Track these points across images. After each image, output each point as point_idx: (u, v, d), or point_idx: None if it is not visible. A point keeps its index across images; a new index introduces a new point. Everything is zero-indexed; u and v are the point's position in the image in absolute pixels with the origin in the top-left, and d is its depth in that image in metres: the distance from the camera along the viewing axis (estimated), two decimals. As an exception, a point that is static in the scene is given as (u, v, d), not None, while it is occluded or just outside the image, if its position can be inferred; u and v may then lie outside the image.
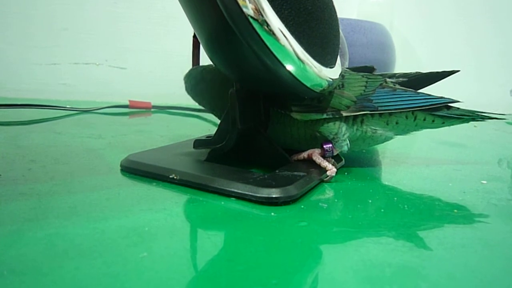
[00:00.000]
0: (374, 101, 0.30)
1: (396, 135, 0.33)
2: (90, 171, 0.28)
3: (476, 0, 0.99)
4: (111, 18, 0.76)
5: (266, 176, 0.26)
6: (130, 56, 0.78)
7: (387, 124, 0.31)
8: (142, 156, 0.29)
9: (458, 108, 0.33)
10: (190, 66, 0.35)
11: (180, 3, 0.26)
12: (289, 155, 0.30)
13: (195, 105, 0.37)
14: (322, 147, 0.30)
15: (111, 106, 0.61)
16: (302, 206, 0.24)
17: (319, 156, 0.29)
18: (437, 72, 0.34)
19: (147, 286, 0.15)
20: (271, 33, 0.22)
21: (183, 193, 0.25)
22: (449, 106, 0.32)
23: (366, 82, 0.31)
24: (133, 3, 0.77)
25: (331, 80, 0.26)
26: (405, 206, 0.25)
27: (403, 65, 0.84)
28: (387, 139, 0.32)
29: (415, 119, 0.32)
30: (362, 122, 0.31)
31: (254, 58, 0.23)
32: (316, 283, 0.16)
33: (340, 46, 0.29)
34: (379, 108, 0.30)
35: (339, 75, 0.29)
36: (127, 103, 0.63)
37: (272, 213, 0.22)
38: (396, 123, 0.31)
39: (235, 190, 0.24)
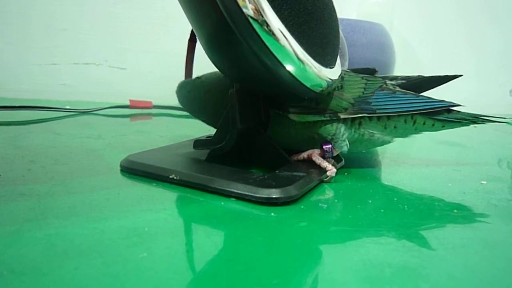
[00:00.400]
0: (372, 104, 0.30)
1: (395, 138, 0.32)
2: (90, 172, 0.28)
3: (476, 0, 0.99)
4: (110, 18, 0.76)
5: (266, 177, 0.26)
6: (129, 56, 0.78)
7: (385, 128, 0.31)
8: (142, 157, 0.29)
9: (459, 112, 0.32)
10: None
11: (180, 3, 0.26)
12: (289, 155, 0.30)
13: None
14: (321, 148, 0.29)
15: (111, 107, 0.61)
16: (302, 207, 0.24)
17: (318, 157, 0.29)
18: (439, 76, 0.34)
19: (147, 286, 0.15)
20: (271, 33, 0.22)
21: (183, 193, 0.25)
22: (450, 109, 0.32)
23: (365, 84, 0.31)
24: (132, 3, 0.77)
25: (330, 80, 0.26)
26: (405, 206, 0.25)
27: (403, 65, 0.83)
28: (385, 142, 0.32)
29: (414, 123, 0.31)
30: (360, 124, 0.30)
31: (254, 58, 0.23)
32: (316, 283, 0.16)
33: (340, 46, 0.29)
34: (377, 111, 0.30)
35: (339, 76, 0.29)
36: (128, 103, 0.63)
37: (272, 214, 0.22)
38: (395, 127, 0.31)
39: (235, 191, 0.24)
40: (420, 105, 0.31)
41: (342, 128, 0.30)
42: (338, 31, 0.28)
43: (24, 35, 0.72)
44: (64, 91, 0.74)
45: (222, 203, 0.24)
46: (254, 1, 0.21)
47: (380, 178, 0.32)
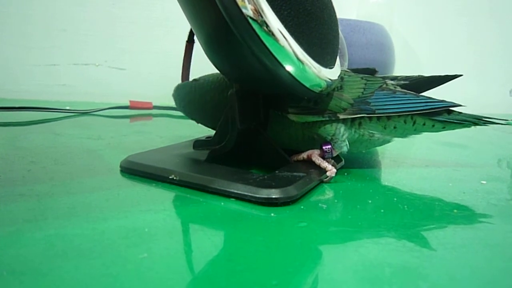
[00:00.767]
0: (372, 104, 0.30)
1: (395, 138, 0.32)
2: (90, 172, 0.28)
3: (476, 0, 1.00)
4: (110, 19, 0.76)
5: (265, 177, 0.26)
6: (129, 57, 0.78)
7: (385, 128, 0.31)
8: (142, 157, 0.29)
9: (460, 113, 0.32)
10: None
11: (179, 4, 0.26)
12: (289, 156, 0.30)
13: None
14: (321, 148, 0.29)
15: (111, 108, 0.61)
16: (302, 207, 0.24)
17: (318, 157, 0.29)
18: (440, 76, 0.34)
19: (147, 287, 0.15)
20: (271, 33, 0.22)
21: (183, 193, 0.25)
22: (450, 110, 0.32)
23: (365, 84, 0.31)
24: (132, 4, 0.77)
25: (330, 80, 0.26)
26: (405, 206, 0.25)
27: (402, 65, 0.84)
28: (385, 142, 0.32)
29: (414, 123, 0.31)
30: (359, 125, 0.30)
31: (253, 58, 0.23)
32: (316, 283, 0.16)
33: (339, 46, 0.29)
34: (377, 111, 0.30)
35: (338, 77, 0.29)
36: (127, 103, 0.63)
37: (272, 214, 0.22)
38: (394, 127, 0.31)
39: (235, 191, 0.24)
40: (420, 105, 0.30)
41: (341, 128, 0.30)
42: (338, 31, 0.28)
43: (24, 35, 0.72)
44: (64, 92, 0.74)
45: (222, 203, 0.24)
46: (254, 2, 0.21)
47: (380, 178, 0.32)
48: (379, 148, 0.43)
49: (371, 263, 0.17)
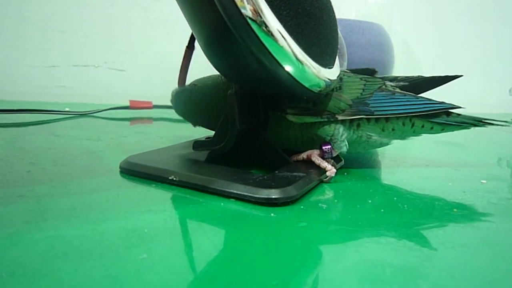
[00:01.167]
0: (370, 105, 0.30)
1: (394, 140, 0.32)
2: (89, 173, 0.28)
3: (476, 0, 1.00)
4: (108, 20, 0.76)
5: (265, 177, 0.26)
6: (129, 58, 0.78)
7: (383, 130, 0.31)
8: (142, 158, 0.29)
9: (459, 115, 0.32)
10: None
11: (178, 5, 0.26)
12: (289, 156, 0.30)
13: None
14: (321, 149, 0.29)
15: (111, 108, 0.60)
16: (302, 207, 0.24)
17: (318, 157, 0.29)
18: (440, 77, 0.34)
19: (147, 288, 0.14)
20: (270, 34, 0.22)
21: (183, 194, 0.25)
22: (449, 112, 0.32)
23: (364, 85, 0.31)
24: (130, 5, 0.77)
25: (329, 80, 0.26)
26: (405, 205, 0.25)
27: (401, 66, 0.84)
28: (383, 144, 0.32)
29: (412, 126, 0.31)
30: (358, 126, 0.30)
31: (253, 59, 0.23)
32: (316, 283, 0.16)
33: (338, 46, 0.29)
34: (375, 113, 0.29)
35: (337, 77, 0.29)
36: (127, 104, 0.63)
37: (272, 214, 0.22)
38: (393, 129, 0.31)
39: (235, 191, 0.24)
40: (419, 107, 0.30)
41: (340, 128, 0.30)
42: (337, 31, 0.28)
43: (22, 37, 0.72)
44: (63, 93, 0.74)
45: (222, 203, 0.24)
46: (253, 2, 0.21)
47: (379, 178, 0.32)
48: (379, 148, 0.43)
49: (372, 262, 0.17)
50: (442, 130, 0.32)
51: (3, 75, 0.71)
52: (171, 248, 0.18)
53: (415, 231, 0.21)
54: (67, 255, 0.16)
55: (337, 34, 0.28)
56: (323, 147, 0.29)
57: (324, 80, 0.26)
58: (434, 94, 0.32)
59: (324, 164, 0.29)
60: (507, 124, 0.32)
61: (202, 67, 0.33)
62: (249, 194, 0.24)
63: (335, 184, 0.29)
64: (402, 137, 0.32)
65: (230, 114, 0.28)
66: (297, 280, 0.16)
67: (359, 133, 0.30)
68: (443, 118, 0.31)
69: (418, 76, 0.34)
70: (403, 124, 0.31)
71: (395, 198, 0.26)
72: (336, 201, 0.26)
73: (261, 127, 0.30)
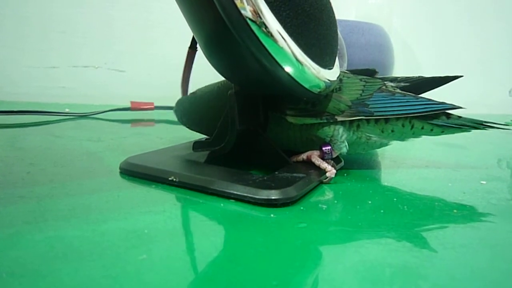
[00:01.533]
0: (370, 106, 0.30)
1: (393, 141, 0.32)
2: (89, 174, 0.28)
3: (476, 1, 1.00)
4: (108, 21, 0.76)
5: (265, 178, 0.26)
6: (129, 59, 0.78)
7: (382, 131, 0.31)
8: (142, 159, 0.29)
9: (460, 117, 0.32)
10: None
11: (178, 6, 0.26)
12: (289, 157, 0.30)
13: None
14: (321, 149, 0.29)
15: (112, 110, 0.60)
16: (302, 208, 0.24)
17: (318, 158, 0.29)
18: (440, 77, 0.34)
19: (147, 288, 0.14)
20: (269, 35, 0.22)
21: (183, 195, 0.25)
22: (449, 114, 0.31)
23: (364, 86, 0.31)
24: (130, 6, 0.77)
25: (329, 81, 0.26)
26: (405, 206, 0.25)
27: (401, 66, 0.84)
28: (382, 145, 0.32)
29: (412, 127, 0.31)
30: (357, 127, 0.30)
31: (252, 59, 0.23)
32: (316, 284, 0.16)
33: (338, 47, 0.29)
34: (375, 114, 0.29)
35: (337, 77, 0.29)
36: (128, 105, 0.63)
37: (272, 215, 0.22)
38: (392, 131, 0.31)
39: (235, 192, 0.24)
40: (419, 107, 0.30)
41: (340, 129, 0.30)
42: (337, 32, 0.28)
43: (22, 38, 0.72)
44: (63, 94, 0.74)
45: (222, 204, 0.24)
46: (252, 3, 0.21)
47: (379, 179, 0.32)
48: (378, 149, 0.43)
49: (371, 263, 0.17)
50: (442, 132, 0.32)
51: (2, 76, 0.71)
52: (171, 249, 0.18)
53: (415, 232, 0.21)
54: (67, 256, 0.16)
55: (337, 35, 0.28)
56: (323, 148, 0.29)
57: (324, 81, 0.26)
58: (434, 95, 0.32)
59: (324, 165, 0.29)
60: (507, 127, 0.32)
61: (204, 70, 0.33)
62: (249, 195, 0.24)
63: (335, 185, 0.29)
64: (402, 138, 0.32)
65: (230, 115, 0.28)
66: (297, 281, 0.16)
67: (359, 134, 0.30)
68: (443, 120, 0.31)
69: (418, 76, 0.34)
70: (403, 126, 0.31)
71: (395, 199, 0.26)
72: (336, 202, 0.26)
73: (261, 128, 0.30)
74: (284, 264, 0.17)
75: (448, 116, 0.31)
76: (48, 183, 0.25)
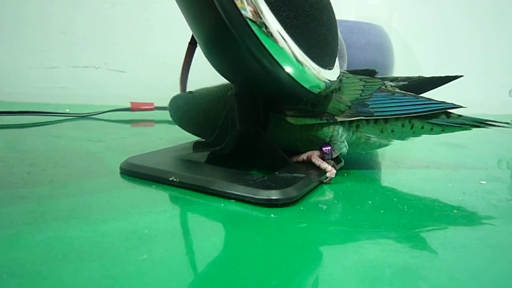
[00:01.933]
0: (370, 106, 0.29)
1: (393, 140, 0.32)
2: (90, 174, 0.28)
3: (476, 1, 1.00)
4: (108, 21, 0.76)
5: (265, 178, 0.26)
6: (129, 59, 0.78)
7: (382, 132, 0.31)
8: (142, 159, 0.29)
9: (460, 116, 0.31)
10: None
11: (178, 6, 0.26)
12: (289, 157, 0.30)
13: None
14: (321, 150, 0.29)
15: (112, 110, 0.60)
16: (302, 208, 0.24)
17: (318, 158, 0.29)
18: (440, 77, 0.34)
19: (147, 289, 0.15)
20: (270, 35, 0.22)
21: (183, 195, 0.25)
22: (449, 113, 0.31)
23: (364, 86, 0.31)
24: (130, 6, 0.77)
25: (329, 81, 0.26)
26: (405, 206, 0.25)
27: (402, 67, 0.84)
28: (382, 145, 0.32)
29: (412, 127, 0.31)
30: (357, 127, 0.30)
31: (253, 60, 0.23)
32: (316, 284, 0.16)
33: (338, 47, 0.29)
34: (375, 114, 0.29)
35: (337, 78, 0.29)
36: (128, 105, 0.62)
37: (272, 215, 0.22)
38: (392, 131, 0.31)
39: (235, 192, 0.24)
40: (419, 107, 0.30)
41: (340, 130, 0.30)
42: (337, 32, 0.28)
43: (22, 38, 0.72)
44: (63, 94, 0.74)
45: (222, 205, 0.24)
46: (253, 3, 0.21)
47: (379, 179, 0.32)
48: (379, 149, 0.43)
49: (371, 263, 0.17)
50: (442, 131, 0.32)
51: (2, 76, 0.71)
52: (172, 249, 0.18)
53: (415, 232, 0.21)
54: (68, 256, 0.16)
55: (337, 35, 0.28)
56: (323, 148, 0.29)
57: (324, 81, 0.26)
58: (434, 95, 0.32)
59: (324, 165, 0.29)
60: (508, 125, 0.32)
61: (203, 69, 0.33)
62: (249, 195, 0.24)
63: (335, 185, 0.29)
64: (402, 138, 0.32)
65: (230, 115, 0.28)
66: (297, 281, 0.16)
67: (358, 134, 0.30)
68: (443, 119, 0.31)
69: (419, 76, 0.34)
70: (402, 126, 0.31)
71: (395, 199, 0.26)
72: (336, 202, 0.26)
73: (261, 128, 0.30)
74: (284, 264, 0.17)
75: (448, 115, 0.31)
76: (48, 183, 0.25)
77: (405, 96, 0.31)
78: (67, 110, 0.57)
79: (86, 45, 0.75)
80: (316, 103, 0.29)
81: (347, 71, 0.34)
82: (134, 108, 0.62)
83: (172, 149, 0.33)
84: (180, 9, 0.26)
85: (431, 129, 0.31)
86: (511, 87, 0.96)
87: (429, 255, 0.19)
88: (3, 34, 0.71)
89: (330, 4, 0.27)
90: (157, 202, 0.24)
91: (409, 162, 0.39)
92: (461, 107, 0.31)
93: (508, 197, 0.29)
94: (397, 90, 0.32)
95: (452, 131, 0.32)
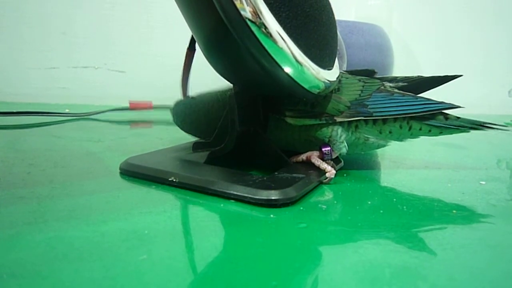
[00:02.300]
0: (369, 106, 0.30)
1: (392, 141, 0.32)
2: (90, 175, 0.28)
3: (476, 1, 1.00)
4: (108, 22, 0.76)
5: (265, 178, 0.26)
6: (128, 60, 0.78)
7: (380, 132, 0.31)
8: (142, 159, 0.29)
9: (458, 118, 0.31)
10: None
11: (178, 6, 0.26)
12: (288, 157, 0.30)
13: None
14: (320, 150, 0.29)
15: (111, 110, 0.60)
16: (301, 208, 0.24)
17: (317, 158, 0.29)
18: (439, 77, 0.34)
19: (147, 289, 0.15)
20: (269, 35, 0.22)
21: (183, 195, 0.25)
22: (447, 115, 0.31)
23: (363, 86, 0.31)
24: (130, 7, 0.77)
25: (328, 82, 0.27)
26: (404, 207, 0.25)
27: (401, 67, 0.84)
28: (380, 146, 0.32)
29: (410, 128, 0.31)
30: (356, 128, 0.30)
31: (252, 60, 0.23)
32: (316, 284, 0.16)
33: (338, 48, 0.29)
34: (374, 114, 0.29)
35: (337, 78, 0.29)
36: (127, 106, 0.63)
37: (272, 215, 0.22)
38: (390, 132, 0.31)
39: (235, 193, 0.24)
40: (418, 107, 0.30)
41: (339, 130, 0.30)
42: (336, 32, 0.28)
43: (22, 38, 0.72)
44: (63, 95, 0.74)
45: (222, 205, 0.24)
46: (252, 4, 0.21)
47: (379, 180, 0.32)
48: (378, 149, 0.43)
49: (371, 263, 0.17)
50: (441, 133, 0.32)
51: (2, 77, 0.71)
52: (171, 249, 0.18)
53: (414, 233, 0.21)
54: (68, 257, 0.16)
55: (337, 35, 0.28)
56: (323, 149, 0.29)
57: (324, 82, 0.26)
58: (433, 95, 0.32)
59: (324, 165, 0.29)
60: (506, 128, 0.32)
61: (203, 71, 0.33)
62: (249, 195, 0.24)
63: (335, 185, 0.29)
64: (400, 139, 0.32)
65: (230, 116, 0.28)
66: (296, 281, 0.16)
67: (357, 135, 0.30)
68: (441, 121, 0.31)
69: (418, 76, 0.34)
70: (400, 127, 0.31)
71: (394, 200, 0.27)
72: (335, 202, 0.26)
73: (261, 129, 0.30)
74: (284, 264, 0.17)
75: (447, 117, 0.31)
76: (48, 183, 0.25)
77: (404, 96, 0.31)
78: (67, 111, 0.57)
79: (86, 46, 0.76)
80: (315, 103, 0.29)
81: (346, 71, 0.34)
82: (133, 107, 0.63)
83: (171, 149, 0.33)
84: (180, 9, 0.26)
85: (429, 130, 0.31)
86: (511, 87, 0.96)
87: (429, 255, 0.19)
88: (3, 34, 0.71)
89: (329, 4, 0.27)
90: (157, 202, 0.24)
91: (409, 163, 0.39)
92: (460, 107, 0.31)
93: (507, 197, 0.29)
94: (396, 90, 0.32)
95: (451, 133, 0.32)
